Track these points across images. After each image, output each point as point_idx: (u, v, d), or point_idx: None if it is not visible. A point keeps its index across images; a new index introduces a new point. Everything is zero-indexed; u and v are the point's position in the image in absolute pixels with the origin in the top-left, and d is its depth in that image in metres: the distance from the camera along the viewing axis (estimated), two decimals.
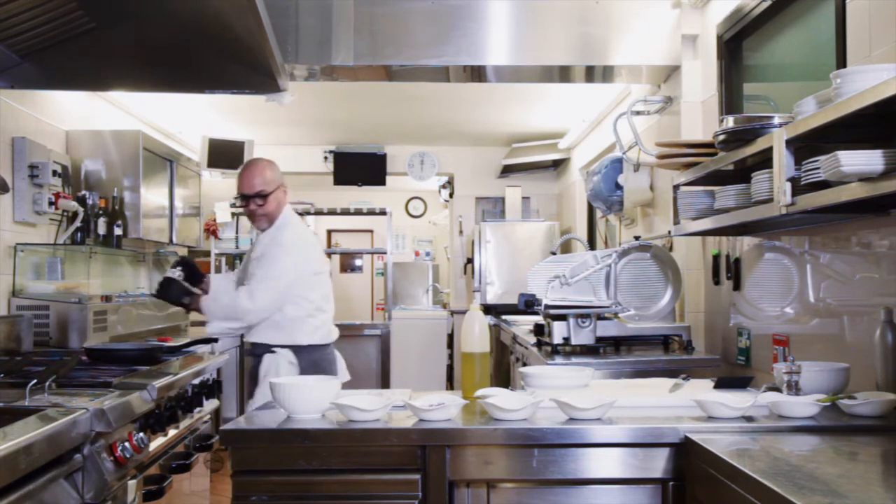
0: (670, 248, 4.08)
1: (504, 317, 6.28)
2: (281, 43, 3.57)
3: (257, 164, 3.45)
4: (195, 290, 3.40)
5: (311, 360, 3.32)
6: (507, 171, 7.86)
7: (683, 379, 2.60)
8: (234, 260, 7.43)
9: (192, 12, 2.95)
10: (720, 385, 2.50)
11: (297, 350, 3.32)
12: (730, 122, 2.57)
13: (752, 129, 2.46)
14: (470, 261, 7.75)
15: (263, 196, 3.37)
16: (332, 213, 7.97)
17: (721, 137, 2.59)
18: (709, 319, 3.77)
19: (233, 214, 7.11)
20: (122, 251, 4.49)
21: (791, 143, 2.20)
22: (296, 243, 3.35)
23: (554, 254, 5.04)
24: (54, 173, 3.87)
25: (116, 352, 3.22)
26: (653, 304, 3.89)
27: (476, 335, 2.52)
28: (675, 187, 3.13)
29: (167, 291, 3.39)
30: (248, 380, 3.44)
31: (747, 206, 2.52)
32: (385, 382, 7.13)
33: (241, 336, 6.67)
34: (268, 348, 3.33)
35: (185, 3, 2.88)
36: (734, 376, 2.88)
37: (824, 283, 2.72)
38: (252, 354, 3.41)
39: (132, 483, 2.46)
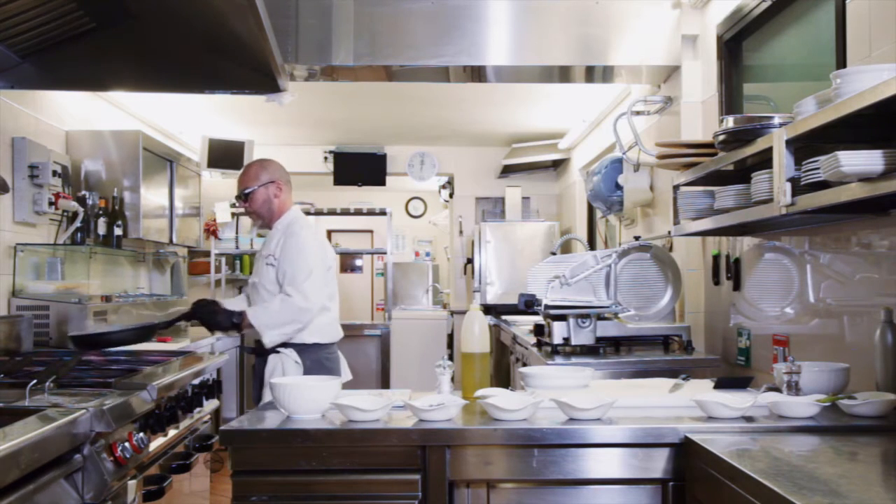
0: (670, 249, 4.08)
1: (504, 317, 6.28)
2: (281, 43, 3.57)
3: (247, 165, 3.50)
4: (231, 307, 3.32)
5: (316, 358, 3.29)
6: (507, 171, 7.86)
7: (683, 379, 2.60)
8: (234, 260, 7.42)
9: (191, 12, 2.95)
10: (720, 385, 2.50)
11: (302, 349, 3.29)
12: (730, 122, 2.57)
13: (752, 129, 2.46)
14: (470, 261, 7.75)
15: (247, 194, 3.39)
16: (332, 213, 7.97)
17: (721, 137, 2.58)
18: (709, 319, 3.77)
19: (233, 214, 7.10)
20: (122, 251, 4.49)
21: (791, 143, 2.20)
22: (308, 238, 3.34)
23: (554, 254, 5.05)
24: (54, 173, 3.87)
25: (105, 336, 3.12)
26: (653, 305, 3.89)
27: (476, 335, 2.52)
28: (675, 187, 3.13)
29: (215, 318, 3.26)
30: (255, 381, 3.40)
31: (747, 207, 2.52)
32: (385, 383, 7.13)
33: (242, 336, 6.69)
34: (273, 348, 3.31)
35: (184, 4, 2.88)
36: (734, 376, 2.88)
37: (824, 284, 2.72)
38: (256, 354, 3.37)
39: (132, 483, 2.45)
